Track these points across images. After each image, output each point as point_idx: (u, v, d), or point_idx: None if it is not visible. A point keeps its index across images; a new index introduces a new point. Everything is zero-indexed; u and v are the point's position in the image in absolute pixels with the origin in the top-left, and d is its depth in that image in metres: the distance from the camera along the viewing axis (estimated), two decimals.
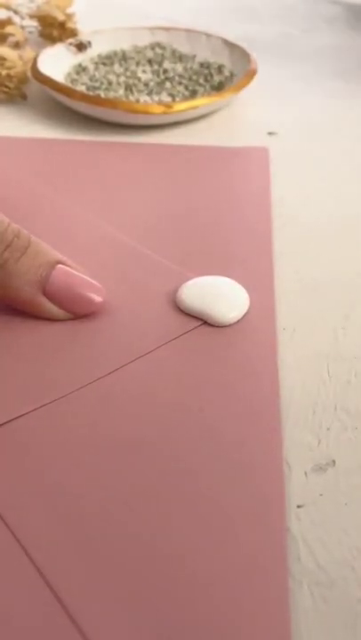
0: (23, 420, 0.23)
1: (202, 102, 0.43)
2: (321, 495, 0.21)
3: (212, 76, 0.49)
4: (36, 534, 0.19)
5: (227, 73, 0.49)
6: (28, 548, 0.19)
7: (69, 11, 0.57)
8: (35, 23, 0.57)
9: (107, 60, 0.51)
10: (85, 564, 0.19)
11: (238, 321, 0.27)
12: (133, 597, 0.18)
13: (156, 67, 0.50)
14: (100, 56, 0.52)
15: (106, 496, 0.20)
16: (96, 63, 0.51)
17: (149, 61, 0.51)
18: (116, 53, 0.52)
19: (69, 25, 0.55)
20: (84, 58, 0.52)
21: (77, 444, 0.22)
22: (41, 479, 0.21)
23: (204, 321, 0.27)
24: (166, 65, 0.50)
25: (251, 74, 0.47)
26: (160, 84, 0.48)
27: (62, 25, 0.55)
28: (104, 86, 0.47)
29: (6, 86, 0.47)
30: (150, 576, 0.18)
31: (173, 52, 0.53)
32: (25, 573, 0.18)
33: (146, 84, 0.48)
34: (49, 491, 0.20)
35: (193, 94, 0.47)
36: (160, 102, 0.45)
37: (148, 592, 0.18)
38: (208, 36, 0.53)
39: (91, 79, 0.48)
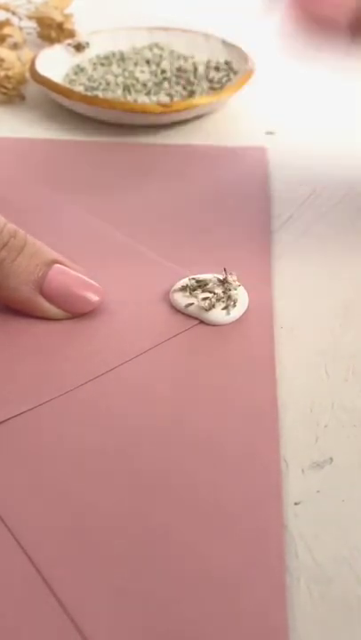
0: (21, 418, 0.23)
1: (200, 102, 0.43)
2: (318, 492, 0.21)
3: (210, 76, 0.49)
4: (35, 533, 0.19)
5: (225, 73, 0.49)
6: (26, 546, 0.19)
7: (67, 12, 0.57)
8: (33, 24, 0.58)
9: (105, 60, 0.52)
10: (84, 564, 0.19)
11: (236, 319, 0.27)
12: (132, 595, 0.18)
13: (154, 67, 0.51)
14: (98, 57, 0.52)
15: (104, 494, 0.20)
16: (94, 64, 0.51)
17: (147, 62, 0.51)
18: (114, 54, 0.52)
19: (67, 26, 0.55)
20: (82, 58, 0.52)
21: (76, 443, 0.22)
22: (39, 478, 0.21)
23: (201, 320, 0.27)
24: (164, 65, 0.51)
25: (249, 74, 0.47)
26: (158, 84, 0.48)
27: (60, 26, 0.55)
28: (102, 87, 0.47)
29: (5, 87, 0.47)
30: (149, 574, 0.18)
31: (171, 52, 0.53)
32: (23, 572, 0.18)
33: (144, 85, 0.48)
34: (47, 489, 0.20)
35: (191, 94, 0.47)
36: (158, 102, 0.45)
37: (147, 590, 0.18)
38: (206, 36, 0.53)
39: (89, 80, 0.48)
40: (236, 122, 0.46)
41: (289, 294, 0.29)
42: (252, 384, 0.24)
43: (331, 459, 0.22)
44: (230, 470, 0.21)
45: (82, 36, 0.53)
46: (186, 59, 0.52)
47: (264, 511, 0.20)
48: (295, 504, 0.20)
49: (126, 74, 0.49)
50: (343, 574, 0.19)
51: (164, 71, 0.50)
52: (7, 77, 0.47)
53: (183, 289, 0.28)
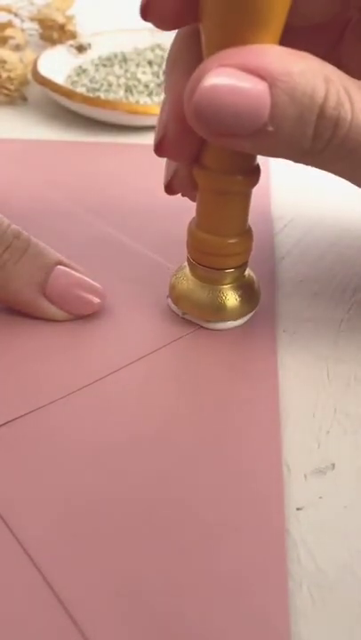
0: (23, 420, 0.23)
1: None
2: (320, 498, 0.21)
3: None
4: (37, 534, 0.19)
5: None
6: (28, 547, 0.19)
7: (69, 13, 0.57)
8: (35, 26, 0.58)
9: (107, 61, 0.52)
10: (86, 564, 0.18)
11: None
12: (134, 597, 0.18)
13: (155, 68, 0.51)
14: (100, 58, 0.52)
15: (105, 496, 0.20)
16: (96, 65, 0.51)
17: (149, 63, 0.51)
18: (115, 55, 0.53)
19: (69, 27, 0.55)
20: (84, 60, 0.52)
21: (77, 445, 0.22)
22: (41, 479, 0.21)
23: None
24: None
25: None
26: (160, 86, 0.48)
27: (62, 27, 0.55)
28: (104, 88, 0.47)
29: (7, 88, 0.47)
30: (150, 576, 0.18)
31: None
32: (25, 573, 0.18)
33: (146, 86, 0.48)
34: (49, 491, 0.20)
35: None
36: (160, 103, 0.45)
37: (149, 592, 0.18)
38: None
39: (91, 81, 0.48)
40: None
41: (292, 297, 0.29)
42: (253, 388, 0.24)
43: (333, 464, 0.22)
44: (232, 475, 0.21)
45: (84, 38, 0.53)
46: None
47: (266, 516, 0.20)
48: (297, 509, 0.20)
49: (128, 75, 0.49)
50: (346, 580, 0.19)
51: None
52: (9, 79, 0.47)
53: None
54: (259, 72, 0.18)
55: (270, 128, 0.19)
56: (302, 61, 0.19)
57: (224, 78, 0.18)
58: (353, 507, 0.20)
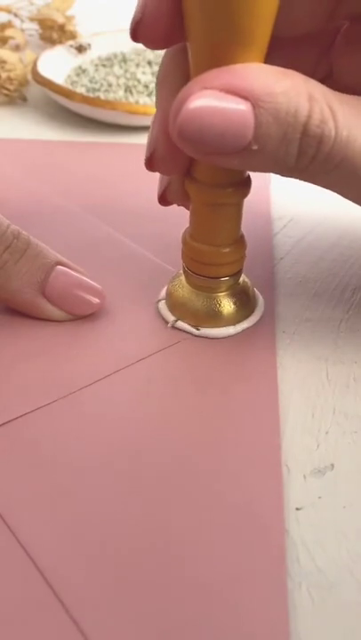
0: (23, 420, 0.23)
1: None
2: (320, 498, 0.21)
3: None
4: (37, 534, 0.19)
5: None
6: (28, 548, 0.19)
7: (69, 13, 0.57)
8: (35, 26, 0.58)
9: (107, 61, 0.52)
10: (86, 565, 0.19)
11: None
12: (133, 597, 0.18)
13: (155, 68, 0.51)
14: (99, 58, 0.52)
15: (105, 497, 0.20)
16: (96, 65, 0.51)
17: (149, 63, 0.52)
18: (115, 55, 0.53)
19: (69, 27, 0.56)
20: (83, 60, 0.52)
21: (77, 445, 0.22)
22: (40, 479, 0.21)
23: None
24: None
25: None
26: None
27: (62, 27, 0.55)
28: (104, 88, 0.47)
29: (7, 89, 0.47)
30: (150, 577, 0.18)
31: None
32: (26, 573, 0.18)
33: (145, 86, 0.48)
34: (49, 491, 0.20)
35: None
36: None
37: (149, 593, 0.18)
38: None
39: (91, 81, 0.48)
40: None
41: (291, 298, 0.29)
42: (253, 389, 0.24)
43: (332, 465, 0.22)
44: (232, 476, 0.21)
45: (83, 38, 0.53)
46: None
47: (265, 516, 0.20)
48: (297, 509, 0.20)
49: (128, 75, 0.49)
50: (345, 580, 0.19)
51: None
52: (9, 79, 0.47)
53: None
54: (242, 93, 0.19)
55: (255, 147, 0.19)
56: (285, 80, 0.19)
57: (207, 100, 0.19)
58: (352, 507, 0.21)
